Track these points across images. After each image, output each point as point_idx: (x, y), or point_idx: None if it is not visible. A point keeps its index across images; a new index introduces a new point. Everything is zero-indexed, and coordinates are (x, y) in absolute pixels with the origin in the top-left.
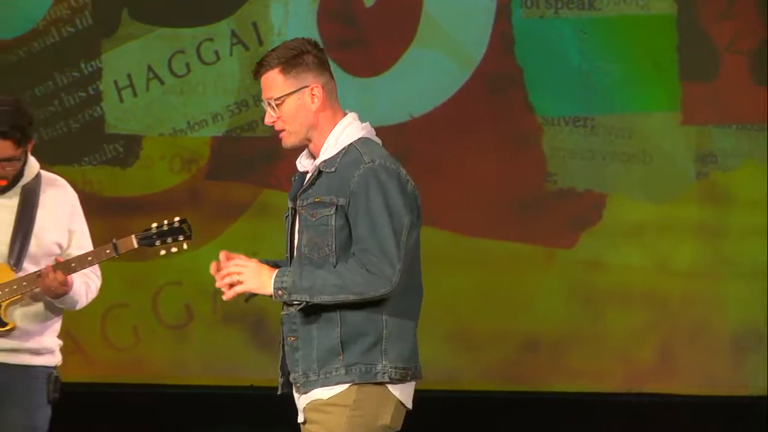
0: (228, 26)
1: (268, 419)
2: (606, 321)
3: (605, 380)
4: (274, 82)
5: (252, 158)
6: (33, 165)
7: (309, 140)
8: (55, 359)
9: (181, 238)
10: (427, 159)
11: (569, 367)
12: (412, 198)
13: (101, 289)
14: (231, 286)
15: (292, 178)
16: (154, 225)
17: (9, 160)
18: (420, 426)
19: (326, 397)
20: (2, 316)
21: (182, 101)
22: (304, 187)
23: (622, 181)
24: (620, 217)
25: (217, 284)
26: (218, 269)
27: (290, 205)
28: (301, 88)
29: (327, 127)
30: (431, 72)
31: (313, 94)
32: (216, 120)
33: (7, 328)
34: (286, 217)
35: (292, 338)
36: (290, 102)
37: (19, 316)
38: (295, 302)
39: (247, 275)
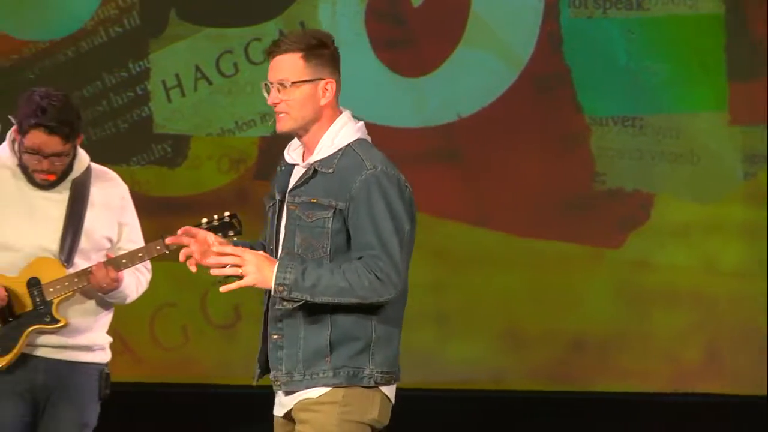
0: (276, 26)
1: None
2: (653, 321)
3: (652, 380)
4: (293, 65)
5: None
6: (83, 159)
7: (305, 131)
8: (106, 356)
9: (231, 233)
10: (476, 159)
11: (616, 367)
12: (410, 204)
13: (149, 289)
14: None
15: (278, 168)
16: (204, 220)
17: (58, 155)
18: (467, 425)
19: (315, 396)
20: (54, 313)
21: (230, 101)
22: (296, 184)
23: (670, 181)
24: (668, 217)
25: (214, 272)
26: (188, 255)
27: (277, 197)
28: (317, 80)
29: (326, 124)
30: (479, 72)
31: (325, 89)
32: (264, 120)
33: (60, 324)
34: (270, 206)
35: (276, 336)
36: (303, 89)
37: (71, 312)
38: (294, 300)
39: (249, 269)
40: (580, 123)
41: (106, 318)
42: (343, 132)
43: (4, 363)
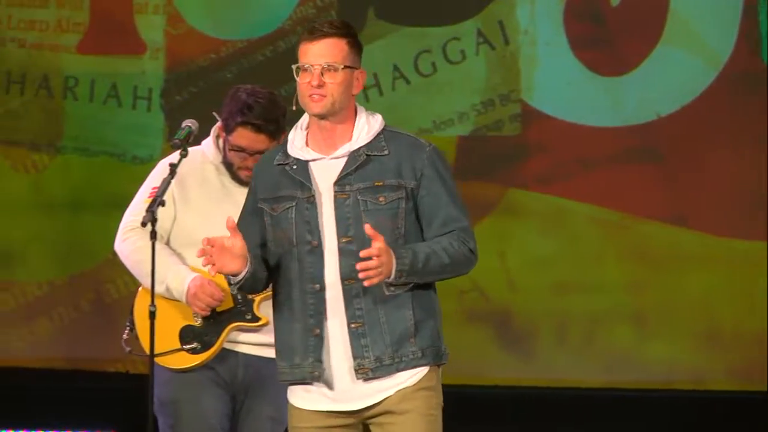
0: (474, 25)
1: (510, 419)
2: None
3: None
4: (341, 50)
5: (498, 157)
6: None
7: (335, 117)
8: None
9: None
10: (675, 159)
11: None
12: None
13: None
14: None
15: (290, 168)
16: None
17: (262, 152)
18: (669, 425)
19: (412, 384)
20: (255, 311)
21: (428, 100)
22: (346, 172)
23: None
24: None
25: (364, 275)
26: None
27: (309, 193)
28: (355, 69)
29: (351, 113)
30: (678, 71)
31: (358, 78)
32: (462, 119)
33: (261, 323)
34: (293, 206)
35: (356, 324)
36: (346, 75)
37: (270, 310)
38: (403, 284)
39: (383, 262)
40: None
41: None
42: (374, 119)
43: (204, 358)
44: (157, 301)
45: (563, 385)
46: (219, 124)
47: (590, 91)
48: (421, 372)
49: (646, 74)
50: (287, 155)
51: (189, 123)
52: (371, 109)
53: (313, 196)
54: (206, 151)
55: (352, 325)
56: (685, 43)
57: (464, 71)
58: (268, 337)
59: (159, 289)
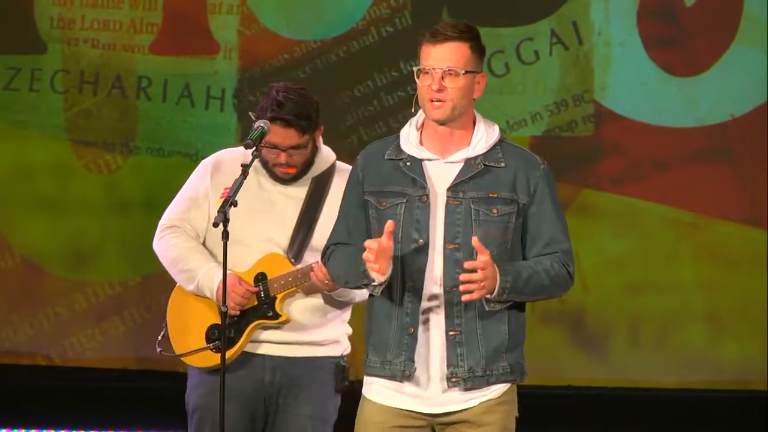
0: (548, 25)
1: (585, 419)
2: None
3: None
4: (463, 54)
5: (571, 157)
6: (327, 155)
7: (454, 123)
8: (340, 348)
9: None
10: (749, 159)
11: None
12: None
13: None
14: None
15: (403, 164)
16: None
17: (295, 148)
18: (742, 425)
19: (496, 396)
20: (277, 308)
21: (501, 100)
22: (462, 179)
23: None
24: None
25: (465, 287)
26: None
27: (423, 192)
28: (477, 73)
29: (469, 118)
30: (752, 71)
31: (478, 82)
32: (535, 120)
33: (281, 320)
34: (402, 202)
35: (454, 332)
36: (468, 80)
37: (295, 309)
38: (502, 300)
39: (487, 276)
40: None
41: (340, 315)
42: (492, 128)
43: (229, 356)
44: (187, 298)
45: (636, 386)
46: (254, 123)
47: (664, 92)
48: (505, 386)
49: (720, 74)
50: (400, 150)
51: (261, 123)
52: None
53: (427, 195)
54: (246, 151)
55: (450, 333)
56: (759, 43)
57: (538, 71)
58: (291, 334)
59: (190, 287)
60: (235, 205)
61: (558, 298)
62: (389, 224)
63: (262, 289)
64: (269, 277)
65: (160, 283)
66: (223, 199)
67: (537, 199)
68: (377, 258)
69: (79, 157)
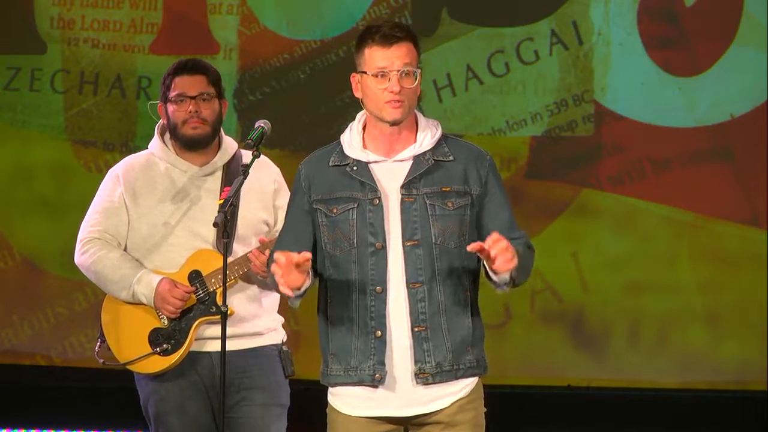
0: (548, 25)
1: (585, 419)
2: None
3: None
4: (414, 54)
5: (571, 158)
6: (229, 144)
7: (405, 122)
8: (279, 336)
9: None
10: (748, 159)
11: None
12: None
13: None
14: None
15: (350, 169)
16: None
17: (204, 99)
18: (741, 426)
19: (466, 395)
20: (219, 303)
21: (501, 101)
22: (414, 176)
23: None
24: None
25: (500, 255)
26: None
27: (375, 195)
28: (420, 70)
29: (413, 117)
30: (752, 71)
31: (419, 81)
32: (535, 119)
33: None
34: (354, 207)
35: (419, 328)
36: (419, 79)
37: (236, 301)
38: (505, 286)
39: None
40: None
41: (271, 301)
42: (432, 124)
43: (177, 358)
44: (121, 307)
45: (636, 386)
46: (160, 122)
47: (664, 92)
48: (473, 382)
49: (720, 75)
50: (344, 156)
51: (262, 123)
52: (445, 109)
53: (379, 198)
54: (153, 150)
55: (416, 329)
56: (759, 43)
57: (538, 71)
58: (232, 328)
59: (123, 295)
60: (234, 205)
61: (558, 298)
62: (305, 255)
63: (200, 287)
64: (204, 274)
65: None
66: (223, 199)
67: (489, 189)
68: (285, 272)
69: (79, 157)
